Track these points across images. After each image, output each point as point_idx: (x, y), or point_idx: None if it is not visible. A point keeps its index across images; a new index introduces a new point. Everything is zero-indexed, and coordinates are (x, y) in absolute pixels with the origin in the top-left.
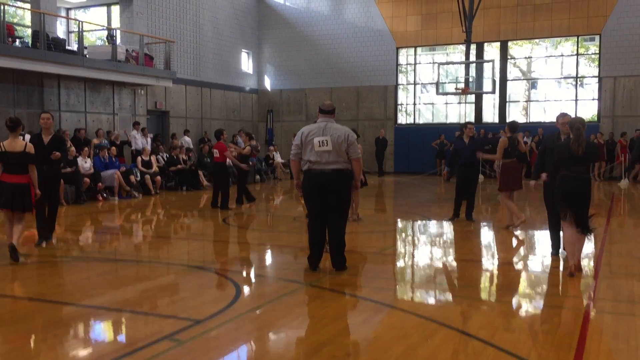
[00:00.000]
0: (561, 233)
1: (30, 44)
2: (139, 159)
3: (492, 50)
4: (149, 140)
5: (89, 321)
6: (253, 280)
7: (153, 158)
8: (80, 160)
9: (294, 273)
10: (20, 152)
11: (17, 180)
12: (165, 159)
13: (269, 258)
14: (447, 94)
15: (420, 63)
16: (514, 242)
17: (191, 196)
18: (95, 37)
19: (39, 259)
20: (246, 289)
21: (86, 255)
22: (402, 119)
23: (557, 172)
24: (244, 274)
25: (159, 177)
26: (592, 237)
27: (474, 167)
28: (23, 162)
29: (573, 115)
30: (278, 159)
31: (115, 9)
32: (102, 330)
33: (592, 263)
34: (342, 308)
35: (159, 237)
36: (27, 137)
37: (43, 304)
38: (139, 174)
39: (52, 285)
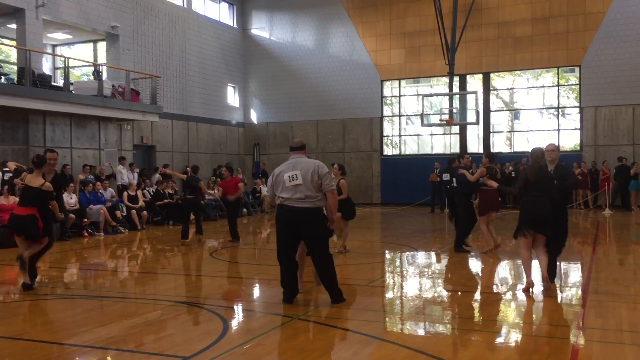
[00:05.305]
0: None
1: (15, 81)
2: (125, 193)
3: (474, 82)
4: (136, 175)
5: None
6: (240, 314)
7: (139, 193)
8: (65, 196)
9: (282, 307)
10: (37, 188)
11: (22, 212)
12: (152, 193)
13: (256, 292)
14: (432, 125)
15: (404, 95)
16: (502, 271)
17: (178, 230)
18: (81, 73)
19: (22, 297)
20: (234, 324)
21: (71, 292)
22: (388, 151)
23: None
24: (231, 308)
25: (145, 212)
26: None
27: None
28: (37, 197)
29: (558, 145)
30: (265, 191)
31: (102, 45)
32: None
33: (579, 291)
34: (331, 341)
35: (145, 273)
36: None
37: (26, 343)
38: (125, 209)
39: (36, 324)
